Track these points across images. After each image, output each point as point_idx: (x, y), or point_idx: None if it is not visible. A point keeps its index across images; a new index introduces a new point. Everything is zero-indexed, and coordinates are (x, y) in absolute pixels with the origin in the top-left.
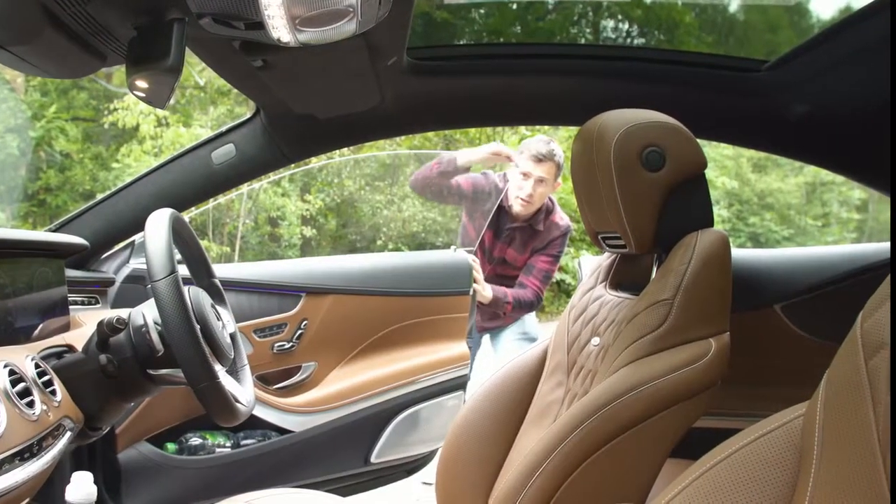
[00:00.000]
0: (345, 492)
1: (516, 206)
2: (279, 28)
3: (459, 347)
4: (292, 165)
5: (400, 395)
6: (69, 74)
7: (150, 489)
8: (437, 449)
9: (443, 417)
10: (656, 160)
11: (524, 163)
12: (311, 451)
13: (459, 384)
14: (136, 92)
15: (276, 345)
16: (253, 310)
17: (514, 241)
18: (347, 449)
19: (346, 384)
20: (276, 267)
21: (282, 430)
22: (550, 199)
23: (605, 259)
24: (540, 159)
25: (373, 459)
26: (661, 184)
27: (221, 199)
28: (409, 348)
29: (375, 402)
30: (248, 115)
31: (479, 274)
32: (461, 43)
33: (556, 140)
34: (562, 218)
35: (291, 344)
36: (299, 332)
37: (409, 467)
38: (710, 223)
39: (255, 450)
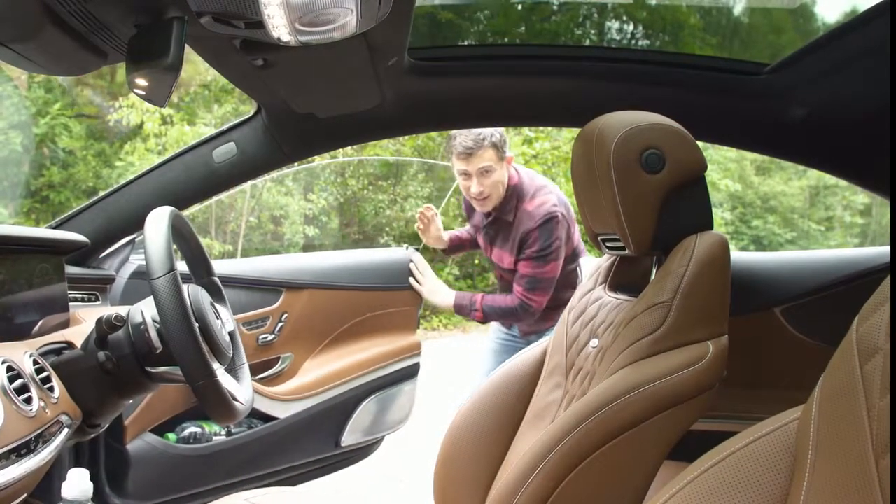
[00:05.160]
0: (318, 473)
1: (477, 207)
2: (279, 27)
3: (411, 338)
4: (295, 164)
5: (365, 383)
6: (70, 72)
7: (153, 477)
8: (393, 431)
9: (399, 402)
10: (656, 162)
11: (457, 164)
12: (291, 437)
13: (413, 372)
14: (135, 90)
15: (261, 337)
16: (241, 304)
17: (496, 238)
18: (322, 433)
19: (320, 373)
20: (261, 263)
21: (266, 418)
22: (521, 182)
23: (604, 261)
24: (469, 153)
25: (342, 443)
26: (660, 186)
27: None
28: (368, 339)
29: (345, 390)
30: (250, 114)
31: (423, 273)
32: (462, 44)
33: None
34: (540, 205)
35: (273, 336)
36: (280, 324)
37: (371, 450)
38: (710, 226)
39: (245, 437)
